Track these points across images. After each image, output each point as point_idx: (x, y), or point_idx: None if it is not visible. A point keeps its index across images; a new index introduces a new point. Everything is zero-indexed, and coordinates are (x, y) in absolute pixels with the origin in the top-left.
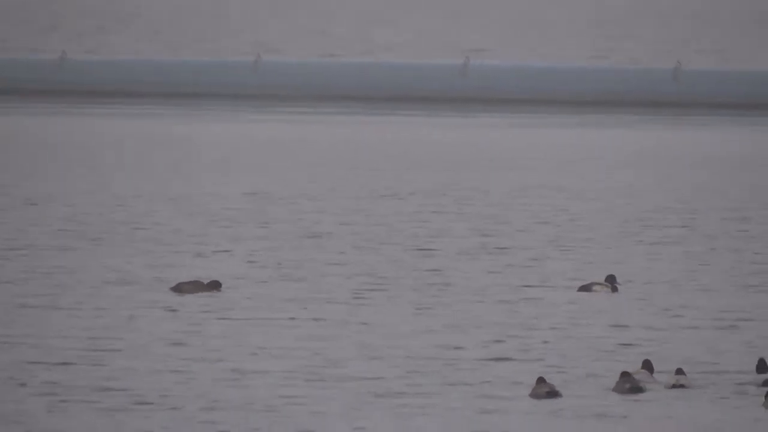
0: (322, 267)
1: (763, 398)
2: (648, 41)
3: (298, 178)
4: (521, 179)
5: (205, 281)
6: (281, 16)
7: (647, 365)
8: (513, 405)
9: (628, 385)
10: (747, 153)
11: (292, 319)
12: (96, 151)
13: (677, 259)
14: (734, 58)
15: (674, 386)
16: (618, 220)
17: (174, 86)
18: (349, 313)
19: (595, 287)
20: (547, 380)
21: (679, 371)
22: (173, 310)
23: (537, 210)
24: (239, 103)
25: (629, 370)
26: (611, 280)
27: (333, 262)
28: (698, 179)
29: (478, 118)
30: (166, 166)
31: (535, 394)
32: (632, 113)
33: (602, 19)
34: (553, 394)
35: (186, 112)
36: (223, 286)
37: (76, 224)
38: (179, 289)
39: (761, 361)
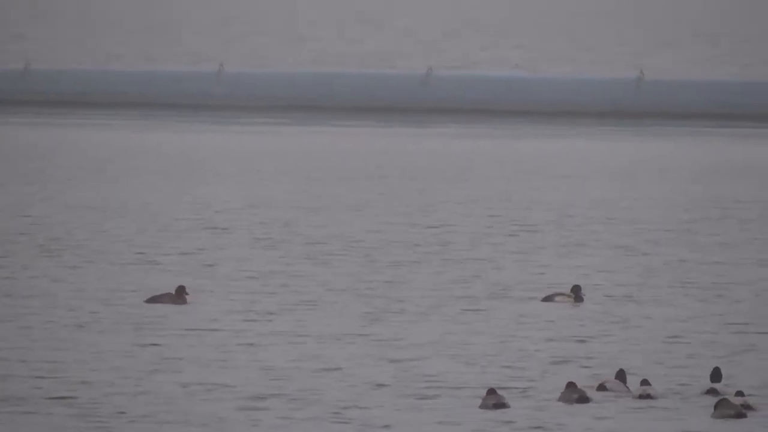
0: (266, 277)
1: (712, 409)
2: (611, 50)
3: (253, 187)
4: (474, 190)
5: (173, 290)
6: (244, 26)
7: (620, 375)
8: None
9: (576, 395)
10: (708, 162)
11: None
12: (56, 160)
13: (635, 270)
14: (697, 68)
15: (641, 396)
16: (567, 231)
17: (137, 96)
18: (299, 323)
19: (557, 298)
20: (497, 392)
21: (645, 382)
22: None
23: (493, 221)
24: (202, 113)
25: (602, 380)
26: (576, 291)
27: (279, 272)
28: (655, 189)
29: (440, 128)
30: (123, 176)
31: (484, 405)
32: (594, 123)
33: (567, 28)
34: (500, 405)
35: (149, 122)
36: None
37: (28, 235)
38: (157, 300)
39: (716, 369)
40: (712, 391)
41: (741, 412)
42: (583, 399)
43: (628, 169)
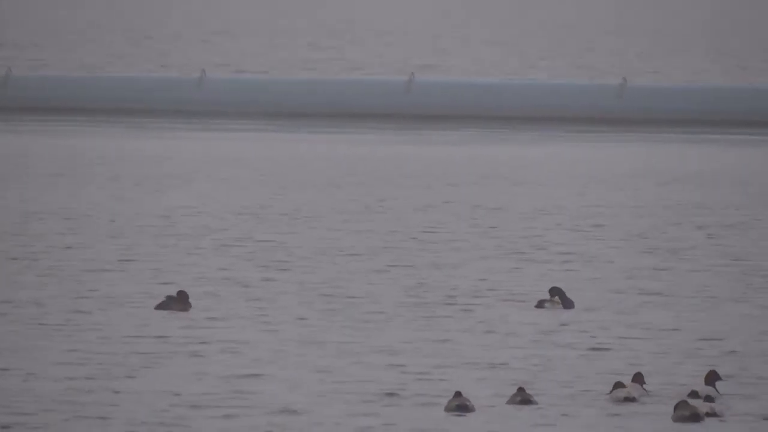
0: (233, 286)
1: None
2: (596, 56)
3: (230, 195)
4: (448, 195)
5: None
6: (226, 34)
7: (638, 378)
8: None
9: (519, 398)
10: (690, 170)
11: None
12: (38, 167)
13: (617, 277)
14: (679, 75)
15: (626, 399)
16: (538, 239)
17: (118, 102)
18: (281, 335)
19: (546, 304)
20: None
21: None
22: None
23: (474, 229)
24: (184, 120)
25: (622, 381)
26: (557, 293)
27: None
28: (621, 195)
29: (422, 134)
30: (96, 183)
31: (447, 408)
32: (576, 129)
33: (550, 34)
34: (462, 407)
35: (129, 129)
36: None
37: None
38: (166, 306)
39: (713, 372)
40: (693, 394)
41: (696, 413)
42: (525, 401)
43: (603, 175)
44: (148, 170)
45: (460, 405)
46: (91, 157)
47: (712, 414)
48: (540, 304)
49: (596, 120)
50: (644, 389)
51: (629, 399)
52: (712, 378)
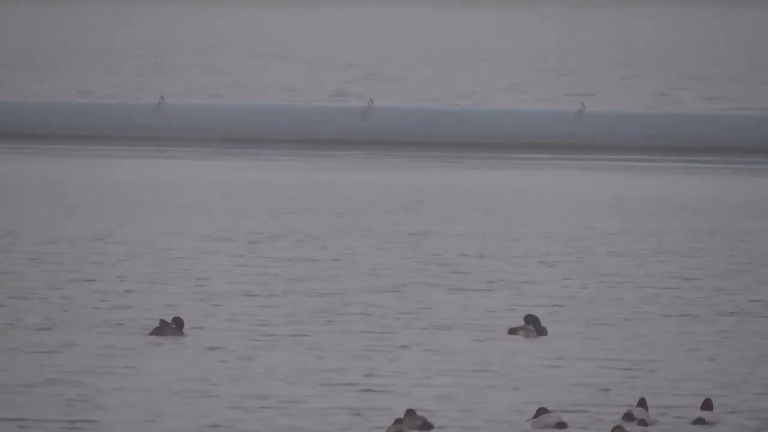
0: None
1: None
2: (552, 83)
3: (172, 221)
4: (401, 224)
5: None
6: (185, 59)
7: (642, 403)
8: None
9: (419, 422)
10: (646, 196)
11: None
12: None
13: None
14: (636, 101)
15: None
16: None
17: (75, 128)
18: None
19: (520, 332)
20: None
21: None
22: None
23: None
24: (142, 145)
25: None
26: (532, 322)
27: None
28: (580, 222)
29: (380, 160)
30: (40, 208)
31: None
32: (534, 154)
33: (507, 60)
34: (425, 426)
35: (84, 155)
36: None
37: None
38: (160, 332)
39: (707, 401)
40: (699, 421)
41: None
42: (425, 426)
43: (546, 201)
44: (92, 195)
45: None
46: (39, 181)
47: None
48: (513, 331)
49: (555, 145)
50: (648, 413)
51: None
52: (706, 405)
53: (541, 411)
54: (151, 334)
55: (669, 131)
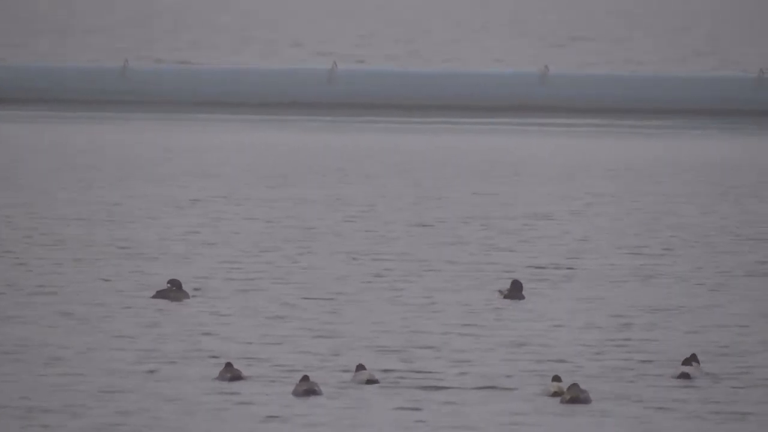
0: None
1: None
2: (517, 45)
3: (141, 188)
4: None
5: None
6: (153, 22)
7: (694, 358)
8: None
9: (304, 387)
10: (606, 159)
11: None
12: None
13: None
14: (604, 62)
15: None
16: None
17: (41, 92)
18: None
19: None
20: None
21: (556, 378)
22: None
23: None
24: (106, 110)
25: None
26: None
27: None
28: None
29: (346, 123)
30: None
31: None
32: (498, 117)
33: (474, 23)
34: (311, 391)
35: (50, 118)
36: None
37: None
38: (165, 296)
39: (693, 356)
40: (684, 375)
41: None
42: (311, 392)
43: (515, 166)
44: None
45: (233, 375)
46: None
47: (575, 398)
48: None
49: (518, 108)
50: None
51: (371, 381)
52: (690, 360)
53: (360, 368)
54: (154, 297)
55: (633, 93)
